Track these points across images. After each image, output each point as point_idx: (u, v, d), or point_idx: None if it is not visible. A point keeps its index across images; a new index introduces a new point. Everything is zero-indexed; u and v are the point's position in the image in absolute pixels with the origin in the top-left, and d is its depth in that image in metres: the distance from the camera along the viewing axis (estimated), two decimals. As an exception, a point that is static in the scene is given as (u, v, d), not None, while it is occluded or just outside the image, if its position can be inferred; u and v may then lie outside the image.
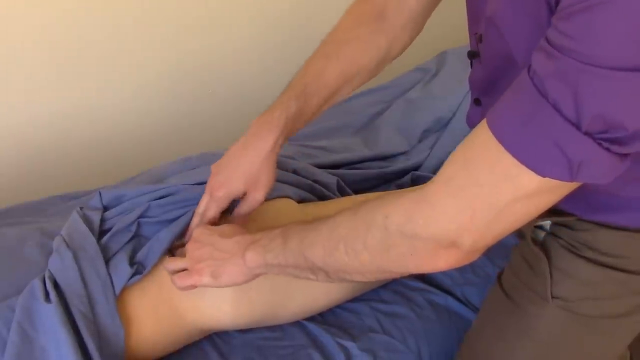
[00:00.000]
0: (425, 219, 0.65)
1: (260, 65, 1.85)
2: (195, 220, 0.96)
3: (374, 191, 1.25)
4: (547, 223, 0.85)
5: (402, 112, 1.50)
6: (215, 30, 1.71)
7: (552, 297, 0.83)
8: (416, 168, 1.35)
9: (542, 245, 0.86)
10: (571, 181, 0.58)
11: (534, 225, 0.86)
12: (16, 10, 1.35)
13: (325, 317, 1.04)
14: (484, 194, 0.61)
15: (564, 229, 0.84)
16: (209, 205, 0.94)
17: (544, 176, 0.58)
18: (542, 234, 0.86)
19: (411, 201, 0.67)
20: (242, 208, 0.94)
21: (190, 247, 0.87)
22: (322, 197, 1.15)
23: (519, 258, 0.89)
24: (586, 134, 0.54)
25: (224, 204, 0.94)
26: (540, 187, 0.59)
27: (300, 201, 1.10)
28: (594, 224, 0.80)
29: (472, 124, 0.90)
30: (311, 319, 1.02)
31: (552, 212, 0.80)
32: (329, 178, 1.20)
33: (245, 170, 0.91)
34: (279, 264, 0.78)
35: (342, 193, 1.21)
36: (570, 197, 0.63)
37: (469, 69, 0.90)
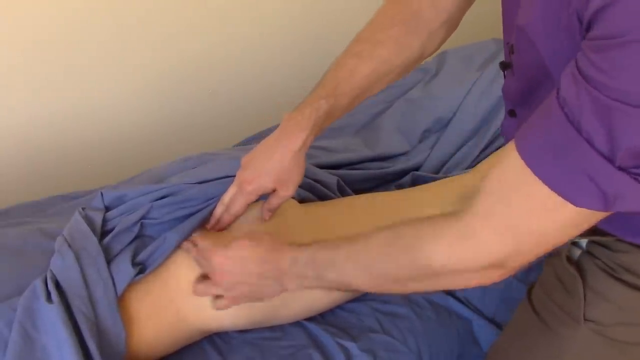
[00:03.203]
0: (471, 255, 0.67)
1: (262, 66, 1.84)
2: (219, 209, 0.97)
3: (374, 191, 1.25)
4: (583, 241, 0.82)
5: (402, 112, 1.50)
6: (217, 30, 1.71)
7: (585, 320, 0.80)
8: (417, 168, 1.36)
9: (577, 265, 0.82)
10: (607, 211, 0.59)
11: (570, 242, 0.84)
12: (16, 10, 1.35)
13: (325, 317, 1.04)
14: (524, 225, 0.63)
15: (601, 249, 0.80)
16: (237, 197, 0.95)
17: (579, 207, 0.59)
18: (577, 252, 0.83)
19: (452, 239, 0.68)
20: (271, 203, 0.96)
21: (216, 279, 0.88)
22: (322, 197, 1.16)
23: (552, 275, 0.85)
24: (620, 168, 0.55)
25: (252, 199, 0.95)
26: (578, 215, 0.60)
27: (301, 201, 1.11)
28: (634, 246, 0.77)
29: (507, 135, 0.88)
30: (311, 319, 1.02)
31: (590, 230, 0.79)
32: (329, 178, 1.20)
33: (275, 168, 0.92)
34: (317, 287, 0.84)
35: (343, 193, 1.21)
36: (610, 219, 0.63)
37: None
